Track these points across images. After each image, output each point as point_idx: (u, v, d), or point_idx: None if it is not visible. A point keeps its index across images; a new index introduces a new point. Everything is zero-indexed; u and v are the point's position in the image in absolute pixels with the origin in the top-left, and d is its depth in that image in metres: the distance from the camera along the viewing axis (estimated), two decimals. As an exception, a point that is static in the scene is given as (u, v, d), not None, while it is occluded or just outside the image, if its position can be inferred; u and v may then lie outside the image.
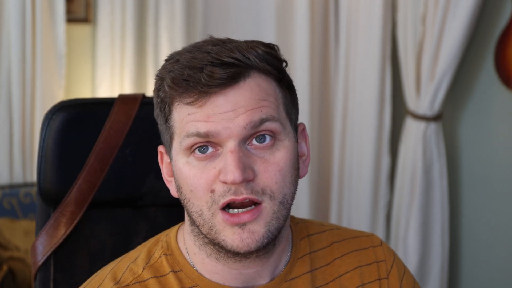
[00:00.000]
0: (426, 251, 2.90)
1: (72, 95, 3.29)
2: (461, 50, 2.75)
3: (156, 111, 1.16)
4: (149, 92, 3.29)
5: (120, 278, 1.15)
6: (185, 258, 1.17)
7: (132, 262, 1.18)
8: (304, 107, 3.10)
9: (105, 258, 1.41)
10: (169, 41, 3.26)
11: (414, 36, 2.88)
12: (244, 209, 1.08)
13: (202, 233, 1.12)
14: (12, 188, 3.00)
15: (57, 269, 1.42)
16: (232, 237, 1.07)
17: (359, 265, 1.27)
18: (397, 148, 3.07)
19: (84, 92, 3.33)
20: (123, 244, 1.45)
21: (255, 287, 1.17)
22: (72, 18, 3.27)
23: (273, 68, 1.12)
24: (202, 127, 1.07)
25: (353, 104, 3.12)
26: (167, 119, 1.12)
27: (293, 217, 1.27)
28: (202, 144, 1.08)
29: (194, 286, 1.16)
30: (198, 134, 1.07)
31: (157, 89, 1.13)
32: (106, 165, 1.42)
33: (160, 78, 1.13)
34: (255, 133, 1.08)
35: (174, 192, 1.17)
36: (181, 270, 1.16)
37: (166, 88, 1.09)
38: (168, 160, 1.17)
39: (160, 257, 1.18)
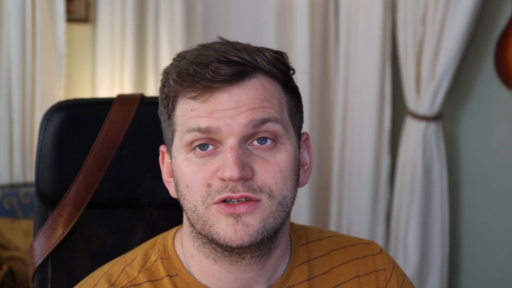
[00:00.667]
0: (426, 251, 2.90)
1: (72, 95, 3.29)
2: (461, 50, 2.75)
3: (160, 109, 1.16)
4: (149, 92, 3.29)
5: (115, 281, 1.14)
6: (182, 263, 1.17)
7: (128, 265, 1.17)
8: (304, 107, 3.08)
9: (103, 259, 1.41)
10: (169, 41, 3.26)
11: (414, 36, 2.88)
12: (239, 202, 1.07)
13: (199, 233, 1.11)
14: (12, 188, 3.00)
15: (55, 270, 1.42)
16: (226, 229, 1.06)
17: (357, 274, 1.26)
18: (397, 148, 3.07)
19: (84, 92, 3.33)
20: (121, 245, 1.45)
21: None
22: (72, 18, 3.26)
23: (279, 72, 1.12)
24: (204, 123, 1.07)
25: (353, 104, 3.12)
26: (170, 115, 1.12)
27: (292, 224, 1.26)
28: (202, 141, 1.08)
29: None
30: (199, 130, 1.07)
31: (162, 85, 1.14)
32: (104, 165, 1.41)
33: (166, 74, 1.13)
34: (257, 133, 1.08)
35: (173, 193, 1.17)
36: (177, 275, 1.16)
37: (171, 82, 1.09)
38: (169, 160, 1.17)
39: (156, 260, 1.17)
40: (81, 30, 3.34)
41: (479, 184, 2.91)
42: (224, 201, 1.07)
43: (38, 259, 1.40)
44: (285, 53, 1.16)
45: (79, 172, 1.41)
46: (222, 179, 1.06)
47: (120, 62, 3.28)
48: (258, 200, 1.07)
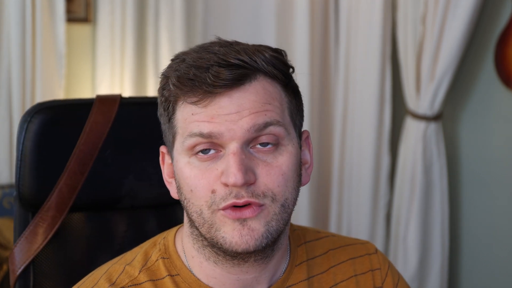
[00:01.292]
0: (426, 251, 2.90)
1: (72, 95, 3.29)
2: (461, 50, 2.75)
3: (160, 111, 1.15)
4: (149, 92, 3.29)
5: (116, 280, 1.14)
6: (183, 262, 1.16)
7: (128, 264, 1.16)
8: (304, 107, 3.08)
9: (86, 263, 1.39)
10: (169, 41, 3.26)
11: (414, 36, 2.88)
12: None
13: (201, 235, 1.11)
14: (12, 188, 3.00)
15: (37, 277, 1.38)
16: (232, 233, 1.06)
17: (354, 274, 1.26)
18: (397, 148, 3.07)
19: (84, 92, 3.33)
20: (105, 247, 1.43)
21: None
22: (72, 18, 3.26)
23: (279, 73, 1.11)
24: (205, 128, 1.06)
25: (353, 104, 3.12)
26: (170, 118, 1.12)
27: (290, 224, 1.26)
28: (204, 145, 1.07)
29: None
30: (201, 135, 1.06)
31: (162, 88, 1.13)
32: (87, 167, 1.39)
33: (165, 77, 1.12)
34: (259, 137, 1.08)
35: (174, 194, 1.16)
36: (178, 274, 1.15)
37: (171, 86, 1.09)
38: (170, 161, 1.16)
39: (157, 260, 1.17)
40: (81, 30, 3.34)
41: (479, 184, 2.90)
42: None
43: (20, 267, 1.37)
44: (284, 51, 1.15)
45: (61, 175, 1.38)
46: (226, 185, 1.05)
47: (120, 62, 3.28)
48: (262, 205, 1.07)
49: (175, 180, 1.13)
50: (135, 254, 1.19)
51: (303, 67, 3.11)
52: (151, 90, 3.28)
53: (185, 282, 1.15)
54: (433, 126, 2.86)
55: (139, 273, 1.15)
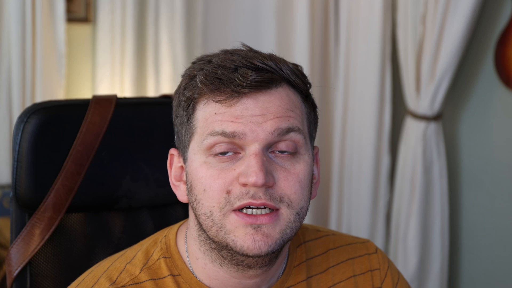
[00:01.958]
0: (426, 250, 2.90)
1: (72, 95, 3.29)
2: (461, 50, 2.74)
3: (177, 111, 1.15)
4: (149, 93, 3.30)
5: (116, 279, 1.14)
6: (184, 262, 1.16)
7: (128, 262, 1.16)
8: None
9: (83, 264, 1.39)
10: (169, 41, 3.26)
11: (414, 36, 2.88)
12: (261, 212, 1.07)
13: (209, 238, 1.11)
14: (12, 187, 3.00)
15: (34, 278, 1.38)
16: (244, 238, 1.06)
17: (353, 274, 1.27)
18: (397, 148, 3.06)
19: (84, 92, 3.33)
20: (102, 248, 1.42)
21: None
22: (72, 18, 3.26)
23: (302, 84, 1.13)
24: (229, 127, 1.07)
25: (353, 104, 3.11)
26: (189, 117, 1.11)
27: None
28: (224, 145, 1.07)
29: None
30: (223, 134, 1.07)
31: (183, 87, 1.13)
32: (84, 168, 1.39)
33: (189, 76, 1.12)
34: (279, 142, 1.08)
35: (182, 197, 1.16)
36: (179, 274, 1.15)
37: (198, 84, 1.09)
38: (179, 164, 1.16)
39: (158, 259, 1.17)
40: (81, 30, 3.34)
41: (479, 184, 2.90)
42: (242, 209, 1.07)
43: (16, 268, 1.36)
44: (301, 66, 1.17)
45: (58, 175, 1.38)
46: (244, 185, 1.06)
47: (120, 62, 3.28)
48: (277, 209, 1.07)
49: (187, 181, 1.13)
50: (136, 252, 1.19)
51: (303, 67, 3.10)
52: (151, 90, 3.28)
53: (186, 283, 1.15)
54: (433, 126, 2.86)
55: (140, 272, 1.15)
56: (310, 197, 1.13)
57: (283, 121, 1.08)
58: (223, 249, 1.10)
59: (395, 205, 3.01)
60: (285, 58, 1.17)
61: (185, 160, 1.13)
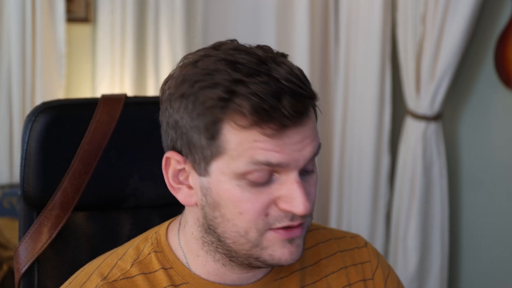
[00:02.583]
0: (426, 250, 2.91)
1: (72, 95, 3.29)
2: (461, 50, 2.75)
3: (192, 122, 1.07)
4: (149, 92, 3.29)
5: (108, 274, 1.14)
6: (176, 256, 1.17)
7: (120, 259, 1.17)
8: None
9: (90, 261, 1.39)
10: (169, 41, 3.26)
11: (414, 36, 2.88)
12: None
13: (221, 245, 1.11)
14: (12, 188, 3.00)
15: (42, 275, 1.38)
16: (282, 251, 1.08)
17: (344, 265, 1.28)
18: (397, 148, 3.07)
19: (84, 92, 3.34)
20: (109, 247, 1.41)
21: (244, 285, 1.17)
22: (72, 18, 3.27)
23: (315, 96, 1.10)
24: (274, 158, 1.04)
25: (353, 104, 3.12)
26: (214, 136, 1.05)
27: None
28: (265, 172, 1.05)
29: (184, 283, 1.15)
30: (268, 164, 1.04)
31: (210, 105, 1.04)
32: (91, 167, 1.39)
33: (219, 96, 1.04)
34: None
35: (186, 200, 1.13)
36: (171, 268, 1.16)
37: (245, 112, 1.02)
38: (180, 167, 1.12)
39: (149, 253, 1.17)
40: (81, 30, 3.34)
41: (479, 184, 2.91)
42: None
43: (24, 265, 1.37)
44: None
45: (65, 174, 1.38)
46: (288, 211, 1.06)
47: (120, 62, 3.28)
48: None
49: (205, 195, 1.10)
50: (127, 249, 1.19)
51: (303, 67, 3.11)
52: (151, 90, 3.29)
53: (179, 275, 1.15)
54: (433, 126, 2.86)
55: (131, 267, 1.15)
56: None
57: (316, 142, 1.08)
58: (240, 257, 1.11)
59: (395, 205, 3.01)
60: None
61: (203, 172, 1.09)
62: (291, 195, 1.05)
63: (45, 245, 1.37)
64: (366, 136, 3.07)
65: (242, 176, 1.05)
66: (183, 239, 1.17)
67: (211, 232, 1.11)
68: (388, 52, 3.03)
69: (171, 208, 1.41)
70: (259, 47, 1.10)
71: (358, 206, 3.10)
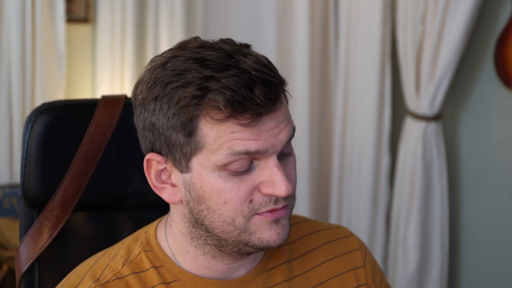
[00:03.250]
0: (426, 250, 2.91)
1: (72, 95, 3.29)
2: (461, 50, 2.75)
3: (169, 122, 1.09)
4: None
5: (100, 276, 1.16)
6: (166, 254, 1.19)
7: (111, 260, 1.19)
8: (304, 107, 3.09)
9: None
10: (169, 41, 3.26)
11: (414, 36, 2.88)
12: None
13: (210, 236, 1.13)
14: (12, 188, 3.00)
15: (42, 275, 1.40)
16: (269, 233, 1.11)
17: (335, 255, 1.30)
18: (397, 148, 3.07)
19: (84, 92, 3.34)
20: (109, 246, 1.45)
21: (234, 278, 1.20)
22: (72, 18, 3.27)
23: (284, 82, 1.13)
24: (252, 146, 1.07)
25: (353, 104, 3.12)
26: (191, 132, 1.08)
27: None
28: (244, 161, 1.08)
29: (175, 280, 1.17)
30: (247, 153, 1.07)
31: (184, 105, 1.06)
32: (91, 167, 1.40)
33: (191, 95, 1.06)
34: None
35: (170, 198, 1.15)
36: (162, 266, 1.18)
37: (221, 106, 1.04)
38: (161, 167, 1.14)
39: (139, 253, 1.19)
40: (81, 30, 3.34)
41: (479, 184, 2.91)
42: None
43: (25, 264, 1.38)
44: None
45: (66, 174, 1.39)
46: (270, 195, 1.09)
47: (120, 62, 3.29)
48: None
49: (189, 190, 1.12)
50: (118, 249, 1.21)
51: (303, 67, 3.11)
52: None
53: (170, 272, 1.17)
54: (433, 126, 2.86)
55: (122, 267, 1.17)
56: None
57: (290, 126, 1.11)
58: (230, 245, 1.13)
59: (395, 205, 3.01)
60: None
61: (185, 169, 1.11)
62: (272, 179, 1.09)
63: (46, 245, 1.38)
64: (366, 136, 3.07)
65: (223, 167, 1.08)
66: (170, 237, 1.20)
67: (198, 225, 1.13)
68: (388, 52, 3.03)
69: (172, 209, 1.43)
70: (223, 41, 1.14)
71: (358, 206, 3.10)
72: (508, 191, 2.79)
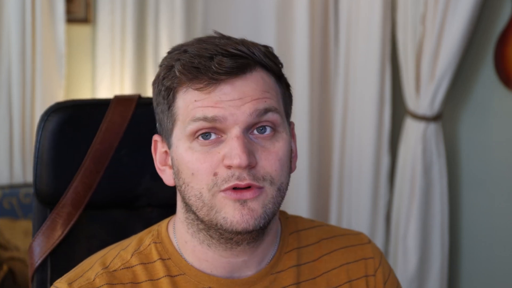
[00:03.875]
0: (426, 251, 2.91)
1: (72, 95, 3.29)
2: (461, 50, 2.75)
3: (158, 100, 1.20)
4: (149, 92, 3.29)
5: (109, 264, 1.19)
6: (174, 247, 1.21)
7: (123, 249, 1.22)
8: (304, 106, 3.09)
9: None
10: (169, 41, 3.26)
11: (414, 36, 2.88)
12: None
13: (198, 219, 1.16)
14: (12, 188, 3.00)
15: (54, 270, 1.42)
16: (233, 213, 1.11)
17: (346, 262, 1.30)
18: (397, 148, 3.07)
19: (84, 92, 3.33)
20: None
21: (241, 278, 1.20)
22: (72, 18, 3.26)
23: (274, 65, 1.19)
24: (210, 112, 1.11)
25: (353, 104, 3.12)
26: (170, 106, 1.16)
27: (283, 212, 1.33)
28: (207, 130, 1.12)
29: (180, 274, 1.19)
30: (205, 119, 1.11)
31: (162, 77, 1.18)
32: (102, 166, 1.43)
33: (166, 67, 1.17)
34: (258, 123, 1.14)
35: (168, 180, 1.21)
36: (169, 258, 1.20)
37: (177, 73, 1.13)
38: (163, 149, 1.21)
39: (149, 244, 1.22)
40: (81, 30, 3.33)
41: (479, 184, 2.91)
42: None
43: (38, 260, 1.41)
44: (272, 48, 1.22)
45: (77, 172, 1.42)
46: (229, 167, 1.11)
47: (120, 62, 3.28)
48: (261, 187, 1.13)
49: (173, 166, 1.18)
50: (131, 241, 1.25)
51: (303, 67, 3.11)
52: (151, 90, 3.28)
53: (176, 266, 1.20)
54: (433, 127, 2.86)
55: (131, 257, 1.20)
56: (290, 172, 1.19)
57: (260, 103, 1.14)
58: (211, 229, 1.15)
59: (395, 205, 3.01)
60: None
61: (169, 145, 1.19)
62: (230, 149, 1.11)
63: (57, 241, 1.42)
64: (366, 136, 3.07)
65: (190, 137, 1.13)
66: (176, 230, 1.23)
67: (187, 207, 1.17)
68: (388, 52, 3.04)
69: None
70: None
71: (358, 206, 3.10)
72: (508, 191, 2.80)
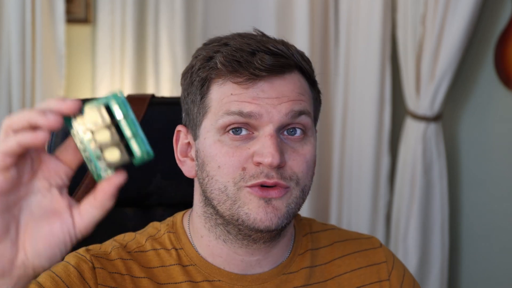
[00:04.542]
0: (426, 251, 2.91)
1: (72, 95, 3.28)
2: (461, 50, 2.75)
3: (189, 90, 1.19)
4: (149, 92, 3.28)
5: (126, 244, 1.22)
6: (188, 239, 1.22)
7: (140, 233, 1.25)
8: (304, 107, 3.09)
9: None
10: (169, 41, 3.26)
11: (414, 36, 2.89)
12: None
13: (217, 213, 1.16)
14: (12, 188, 2.98)
15: None
16: (257, 210, 1.11)
17: (358, 266, 1.29)
18: (397, 148, 3.07)
19: (84, 92, 3.33)
20: None
21: (250, 275, 1.21)
22: (72, 18, 3.26)
23: (310, 69, 1.20)
24: (246, 107, 1.11)
25: (353, 104, 3.12)
26: (203, 97, 1.16)
27: (297, 214, 1.32)
28: (239, 124, 1.12)
29: (192, 265, 1.20)
30: (240, 113, 1.11)
31: (198, 68, 1.17)
32: None
33: (204, 57, 1.17)
34: (290, 124, 1.14)
35: (188, 172, 1.21)
36: (182, 248, 1.22)
37: (218, 65, 1.13)
38: (186, 140, 1.21)
39: (164, 233, 1.23)
40: (81, 30, 3.33)
41: (479, 184, 2.91)
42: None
43: None
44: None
45: (88, 171, 1.41)
46: (258, 164, 1.11)
47: (120, 62, 3.28)
48: (287, 187, 1.13)
49: (197, 157, 1.18)
50: (147, 228, 1.27)
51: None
52: (151, 90, 3.28)
53: (187, 256, 1.21)
54: (433, 127, 2.87)
55: (145, 242, 1.22)
56: (313, 176, 1.20)
57: (296, 104, 1.14)
58: (230, 224, 1.15)
59: (395, 205, 3.01)
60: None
61: (195, 137, 1.18)
62: (263, 147, 1.11)
63: None
64: (366, 136, 3.07)
65: (222, 130, 1.13)
66: (191, 221, 1.24)
67: (207, 201, 1.17)
68: (388, 52, 3.04)
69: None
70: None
71: (358, 206, 3.10)
72: (508, 191, 2.80)
